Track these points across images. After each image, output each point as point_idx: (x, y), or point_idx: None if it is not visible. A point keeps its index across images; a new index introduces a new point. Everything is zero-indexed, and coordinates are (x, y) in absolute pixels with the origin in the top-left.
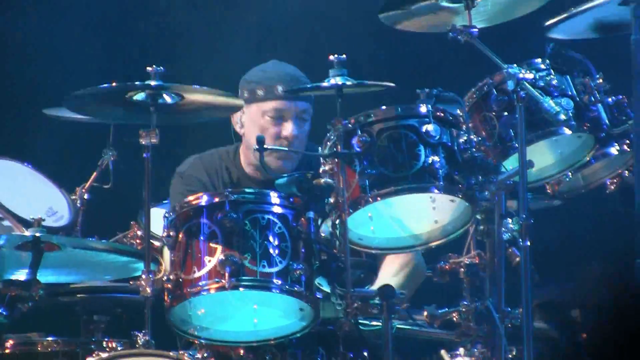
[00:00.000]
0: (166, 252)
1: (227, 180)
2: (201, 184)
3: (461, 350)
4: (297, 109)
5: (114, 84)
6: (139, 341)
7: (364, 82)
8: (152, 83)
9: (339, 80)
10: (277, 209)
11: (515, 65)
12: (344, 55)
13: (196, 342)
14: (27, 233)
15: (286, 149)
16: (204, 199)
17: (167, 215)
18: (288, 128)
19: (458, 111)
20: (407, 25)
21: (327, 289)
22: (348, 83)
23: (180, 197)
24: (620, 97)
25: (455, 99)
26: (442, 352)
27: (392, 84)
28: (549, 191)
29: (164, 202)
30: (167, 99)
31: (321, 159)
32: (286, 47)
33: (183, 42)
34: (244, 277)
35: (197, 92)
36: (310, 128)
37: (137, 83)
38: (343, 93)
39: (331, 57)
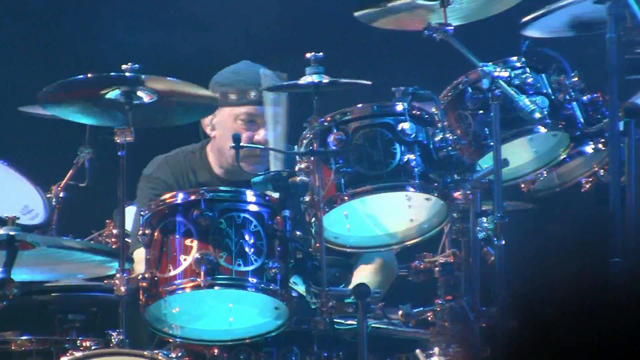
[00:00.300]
0: (137, 252)
1: (194, 180)
2: (167, 186)
3: (436, 350)
4: (272, 113)
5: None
6: (113, 340)
7: (340, 80)
8: (127, 74)
9: (315, 78)
10: (253, 207)
11: (490, 63)
12: (321, 53)
13: (170, 341)
14: (1, 231)
15: (262, 146)
16: (179, 197)
17: (142, 213)
18: (261, 133)
19: (433, 109)
20: (384, 23)
21: (302, 287)
22: (324, 81)
23: (145, 200)
24: (596, 95)
25: (430, 96)
26: (417, 351)
27: (368, 82)
28: (524, 190)
29: None
30: (143, 97)
31: (297, 157)
32: (262, 46)
33: (160, 40)
34: (219, 276)
35: (174, 86)
36: (288, 129)
37: (111, 74)
38: (319, 91)
39: (308, 55)
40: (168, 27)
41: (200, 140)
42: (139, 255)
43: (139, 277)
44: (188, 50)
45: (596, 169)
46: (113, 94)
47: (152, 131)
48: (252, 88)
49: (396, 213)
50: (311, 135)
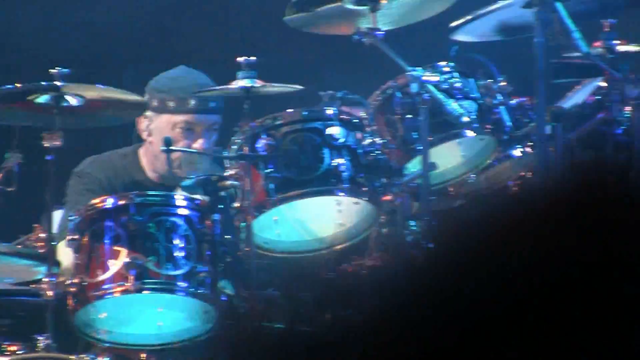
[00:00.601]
0: (63, 253)
1: (128, 182)
2: (99, 183)
3: None
4: (208, 122)
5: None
6: (39, 345)
7: (273, 85)
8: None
9: (246, 83)
10: (183, 211)
11: (419, 68)
12: (253, 58)
13: (97, 345)
14: None
15: (193, 150)
16: (109, 202)
17: (71, 217)
18: (199, 142)
19: (362, 113)
20: (313, 28)
21: (231, 291)
22: (256, 85)
23: (78, 196)
24: (523, 99)
25: (360, 101)
26: None
27: (300, 87)
28: (452, 193)
29: None
30: (71, 100)
31: (226, 161)
32: (196, 50)
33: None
34: (148, 280)
35: (101, 92)
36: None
37: (42, 84)
38: (251, 95)
39: (239, 59)
40: (86, 30)
41: (133, 144)
42: (63, 249)
43: (66, 283)
44: (120, 52)
45: (523, 173)
46: (42, 98)
47: (81, 135)
48: (191, 97)
49: (325, 217)
50: (241, 140)
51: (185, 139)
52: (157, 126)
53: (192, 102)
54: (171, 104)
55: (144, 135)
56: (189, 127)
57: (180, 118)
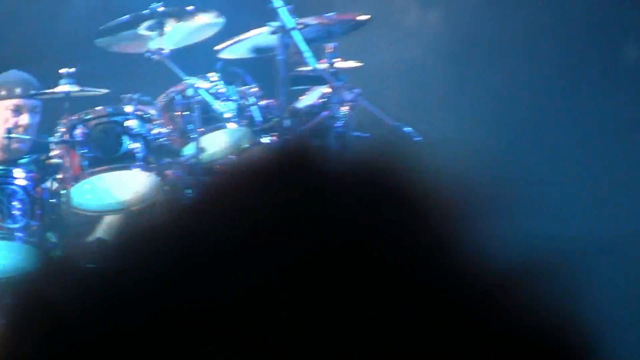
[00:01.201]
0: None
1: None
2: None
3: None
4: (31, 105)
5: None
6: None
7: (86, 89)
8: None
9: (67, 88)
10: (21, 182)
11: (193, 77)
12: (73, 69)
13: None
14: None
15: (27, 136)
16: None
17: None
18: (24, 119)
19: (152, 111)
20: (116, 47)
21: (55, 240)
22: (74, 89)
23: None
24: (270, 101)
25: (150, 101)
26: None
27: (106, 90)
28: (218, 169)
29: None
30: None
31: (52, 145)
32: (28, 59)
33: None
34: None
35: None
36: (41, 120)
37: None
38: (70, 97)
39: (61, 71)
40: None
41: None
42: None
43: None
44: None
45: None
46: None
47: None
48: (18, 86)
49: (124, 186)
50: (63, 129)
51: (14, 117)
52: None
53: (18, 90)
54: (3, 92)
55: None
56: (16, 109)
57: (10, 102)
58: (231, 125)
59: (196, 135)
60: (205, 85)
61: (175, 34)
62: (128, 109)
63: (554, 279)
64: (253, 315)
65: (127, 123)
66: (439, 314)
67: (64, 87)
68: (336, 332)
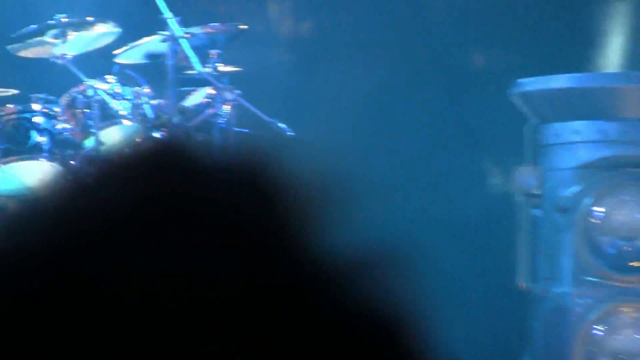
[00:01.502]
0: None
1: None
2: None
3: None
4: None
5: None
6: None
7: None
8: None
9: None
10: None
11: (93, 79)
12: None
13: None
14: None
15: None
16: None
17: None
18: None
19: (57, 108)
20: (25, 53)
21: None
22: None
23: None
24: (161, 100)
25: (55, 100)
26: None
27: (16, 91)
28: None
29: None
30: None
31: None
32: None
33: None
34: None
35: None
36: None
37: None
38: None
39: None
40: None
41: None
42: None
43: None
44: None
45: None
46: None
47: None
48: None
49: (32, 174)
50: None
51: None
52: None
53: None
54: None
55: None
56: None
57: None
58: (126, 122)
59: (95, 130)
60: (103, 87)
61: (78, 42)
62: (36, 106)
63: (390, 273)
64: (90, 312)
65: (35, 119)
66: (279, 311)
67: None
68: (176, 335)
